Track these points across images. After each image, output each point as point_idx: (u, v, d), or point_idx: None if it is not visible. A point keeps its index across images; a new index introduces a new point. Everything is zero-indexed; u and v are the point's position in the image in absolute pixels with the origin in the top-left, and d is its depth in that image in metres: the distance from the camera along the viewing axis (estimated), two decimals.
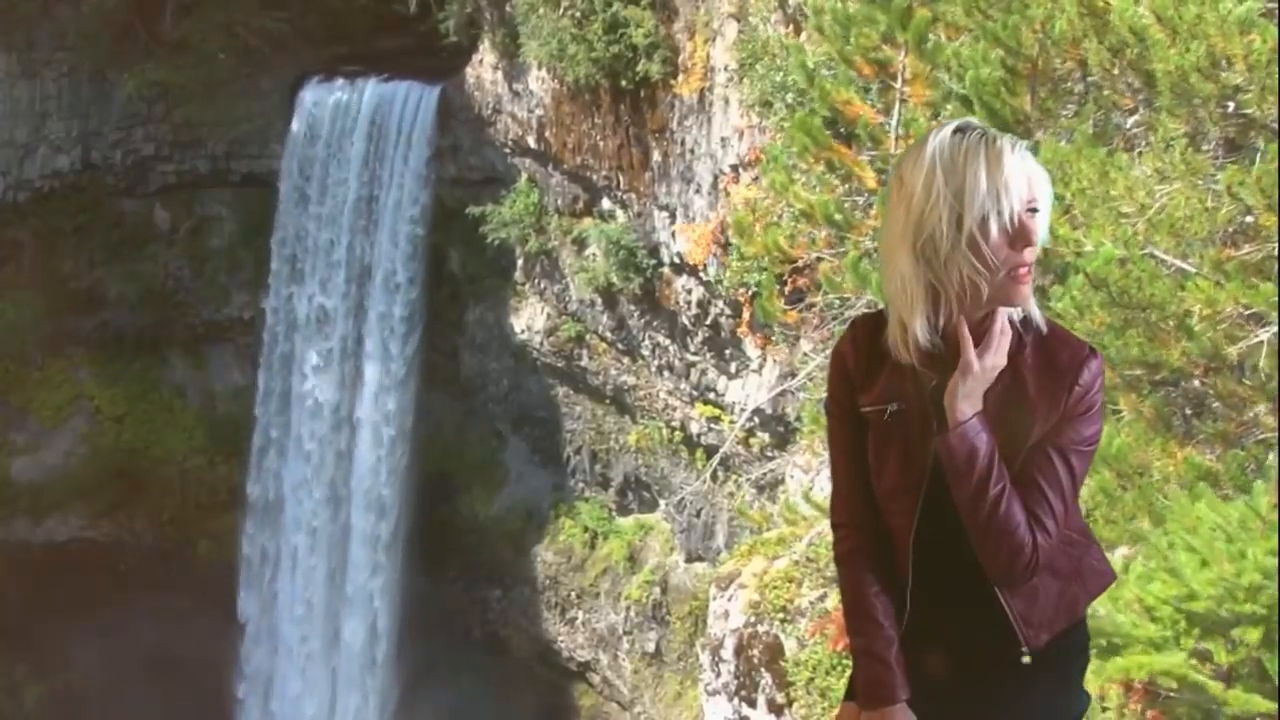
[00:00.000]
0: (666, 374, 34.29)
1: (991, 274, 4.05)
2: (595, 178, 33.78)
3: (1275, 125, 10.92)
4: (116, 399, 41.08)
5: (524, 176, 35.96)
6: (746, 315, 29.44)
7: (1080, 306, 11.28)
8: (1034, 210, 4.04)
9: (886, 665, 4.36)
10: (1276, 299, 10.99)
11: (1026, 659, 4.32)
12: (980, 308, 4.12)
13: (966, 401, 4.11)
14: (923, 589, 4.37)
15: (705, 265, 30.79)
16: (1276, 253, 11.42)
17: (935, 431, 4.19)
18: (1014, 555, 4.14)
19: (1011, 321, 4.17)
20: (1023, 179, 4.02)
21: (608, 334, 35.48)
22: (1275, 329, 11.41)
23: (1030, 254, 4.05)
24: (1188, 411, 12.35)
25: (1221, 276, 11.34)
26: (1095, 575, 4.50)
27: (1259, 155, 11.03)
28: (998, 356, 4.12)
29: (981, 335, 4.14)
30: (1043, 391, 4.19)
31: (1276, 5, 11.99)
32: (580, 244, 34.64)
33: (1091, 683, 9.55)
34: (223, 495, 40.87)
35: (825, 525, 16.11)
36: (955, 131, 4.09)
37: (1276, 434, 11.98)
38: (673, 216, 31.69)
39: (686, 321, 32.65)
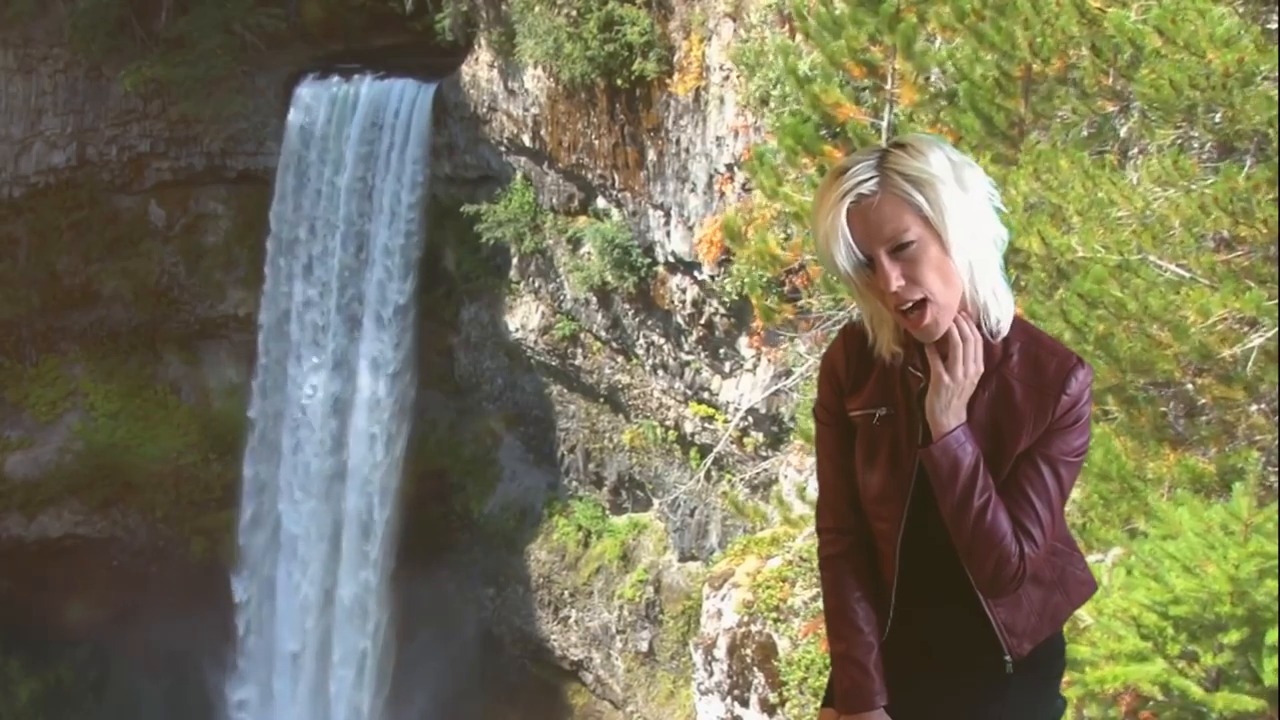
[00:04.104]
0: (661, 373, 34.32)
1: (883, 308, 4.11)
2: (590, 176, 33.81)
3: (1257, 135, 10.96)
4: (111, 395, 41.06)
5: (519, 175, 35.98)
6: (758, 313, 29.46)
7: (1071, 315, 11.31)
8: (905, 245, 3.99)
9: (865, 671, 4.38)
10: (1267, 304, 11.03)
11: (1010, 668, 4.35)
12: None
13: (947, 413, 4.13)
14: (907, 594, 4.39)
15: (701, 264, 30.84)
16: (1273, 255, 11.45)
17: (922, 438, 4.21)
18: (1000, 565, 4.16)
19: (980, 327, 4.14)
20: (842, 232, 4.01)
21: (602, 333, 35.51)
22: (1270, 333, 11.45)
23: (910, 292, 4.01)
24: (1176, 415, 12.39)
25: (1215, 281, 11.38)
26: (1078, 585, 4.51)
27: (1240, 166, 11.08)
28: (969, 365, 4.10)
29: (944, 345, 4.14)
30: (1030, 401, 4.18)
31: (1278, 15, 12.04)
32: (575, 243, 34.67)
33: (1071, 694, 9.61)
34: (217, 492, 40.86)
35: None
36: (843, 169, 4.08)
37: (1271, 435, 12.02)
38: (668, 216, 31.73)
39: (681, 321, 32.68)
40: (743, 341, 31.15)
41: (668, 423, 34.72)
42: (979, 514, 4.12)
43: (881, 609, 4.42)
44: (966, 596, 4.28)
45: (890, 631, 4.42)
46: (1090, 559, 11.36)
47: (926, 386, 4.18)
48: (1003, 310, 4.14)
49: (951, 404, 4.12)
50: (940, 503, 4.17)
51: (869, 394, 4.35)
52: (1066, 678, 9.24)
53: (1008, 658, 4.34)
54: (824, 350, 4.65)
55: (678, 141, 30.72)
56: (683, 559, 34.74)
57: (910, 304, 4.02)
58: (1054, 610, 4.42)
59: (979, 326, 4.13)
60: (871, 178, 4.03)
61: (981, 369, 4.13)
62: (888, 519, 4.35)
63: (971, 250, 4.05)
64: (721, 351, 32.21)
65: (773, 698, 16.88)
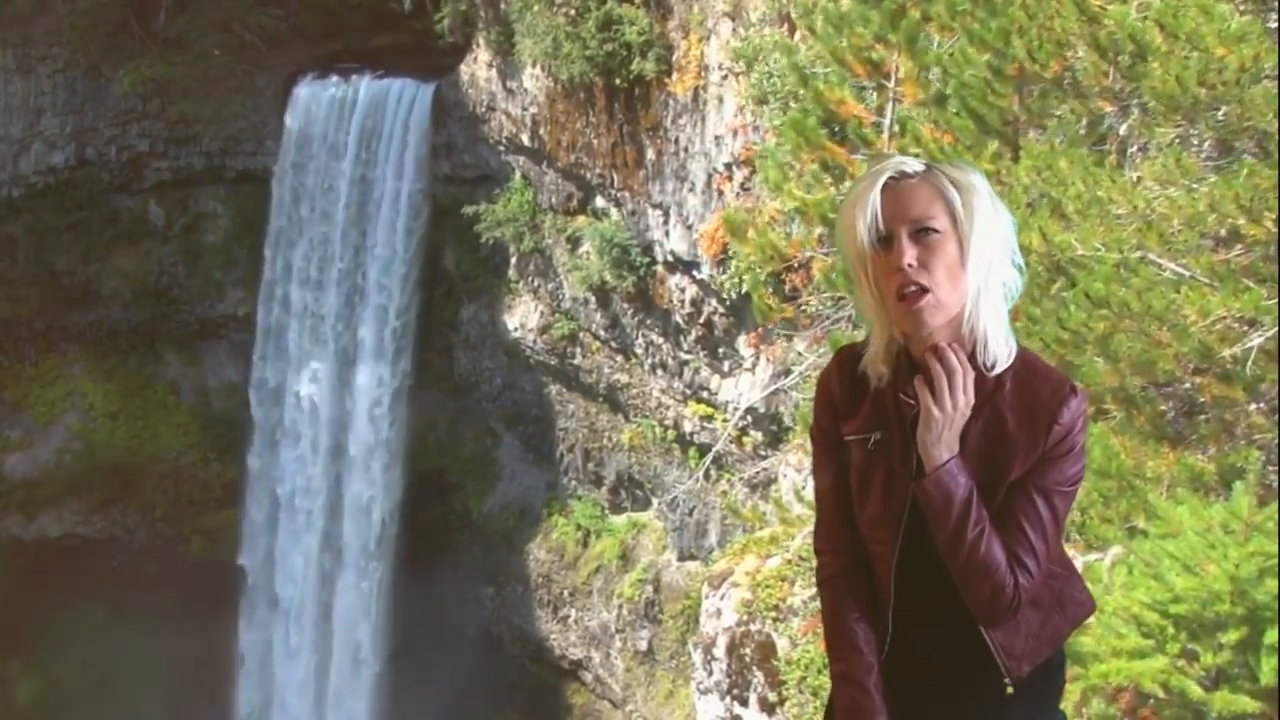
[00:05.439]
0: (660, 372, 34.31)
1: (880, 299, 4.13)
2: (589, 176, 33.80)
3: (1258, 133, 10.96)
4: (110, 395, 41.08)
5: (518, 174, 35.99)
6: (756, 312, 29.38)
7: (1068, 319, 11.31)
8: (928, 230, 4.06)
9: (865, 691, 4.38)
10: (1266, 303, 11.02)
11: (1009, 690, 4.36)
12: (909, 337, 4.17)
13: (939, 446, 4.13)
14: (904, 616, 4.40)
15: (700, 263, 30.84)
16: (1273, 254, 11.44)
17: (915, 468, 4.21)
18: (995, 595, 4.18)
19: (975, 359, 4.16)
20: (873, 201, 4.08)
21: (601, 332, 35.51)
22: (1270, 332, 11.44)
23: (918, 275, 4.05)
24: (1176, 414, 12.39)
25: (1214, 280, 11.38)
26: (1076, 606, 4.52)
27: (1243, 167, 11.07)
28: (958, 397, 4.10)
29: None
30: (1022, 429, 4.19)
31: (1277, 15, 12.03)
32: (574, 242, 34.67)
33: (1073, 690, 9.60)
34: (216, 492, 40.88)
35: None
36: (889, 157, 4.21)
37: (1271, 435, 12.02)
38: (666, 215, 31.72)
39: (680, 320, 32.67)
40: (741, 340, 31.14)
41: (667, 422, 34.73)
42: (973, 545, 4.14)
43: (880, 629, 4.43)
44: (964, 618, 4.29)
45: (889, 652, 4.42)
46: (1089, 557, 11.37)
47: (918, 411, 4.18)
48: (999, 349, 4.17)
49: (943, 436, 4.13)
50: (935, 534, 4.19)
51: (863, 418, 4.36)
52: (1070, 673, 9.25)
53: (1007, 680, 4.35)
54: (822, 364, 4.66)
55: (676, 141, 30.72)
56: (682, 558, 34.75)
57: (914, 288, 4.05)
58: (1052, 631, 4.44)
59: (972, 358, 4.15)
60: (916, 166, 4.13)
61: (972, 400, 4.14)
62: (883, 542, 4.37)
63: (985, 276, 4.11)
64: (720, 351, 32.21)
65: (772, 697, 16.87)
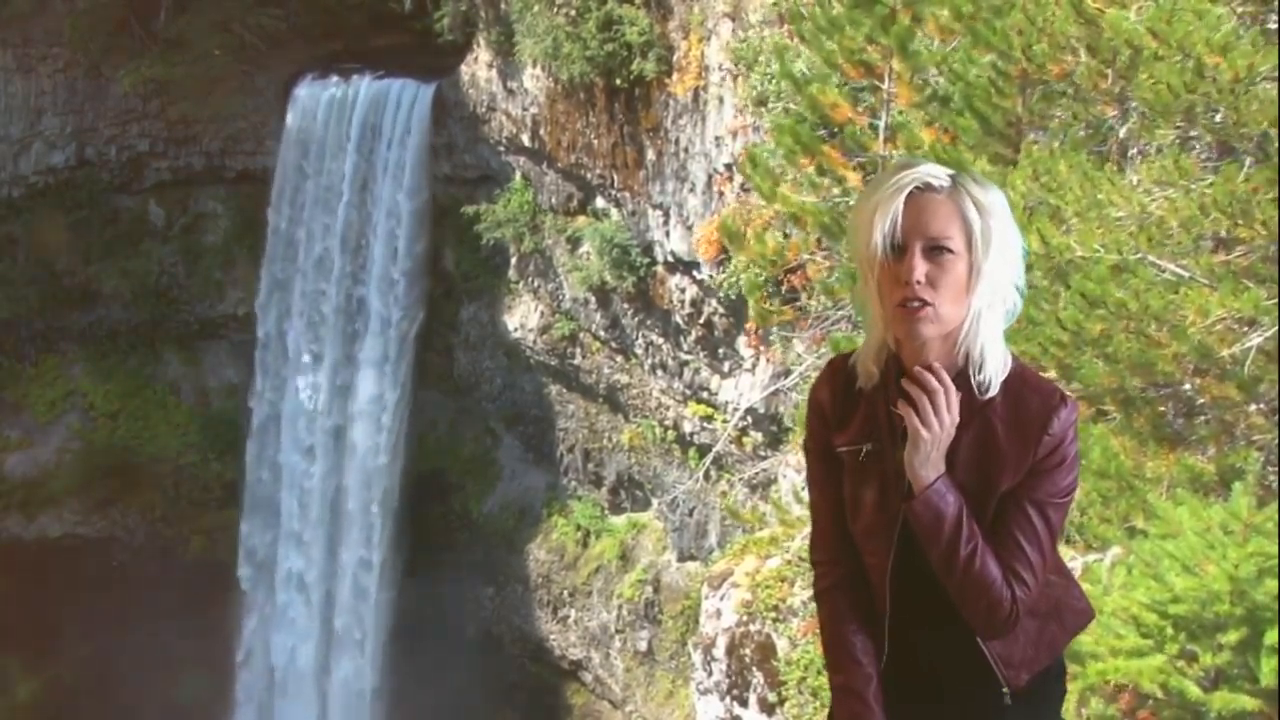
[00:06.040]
0: (660, 373, 34.31)
1: (881, 306, 4.12)
2: (589, 176, 33.81)
3: (1257, 135, 10.97)
4: (110, 395, 41.08)
5: (518, 175, 35.99)
6: (754, 315, 29.42)
7: (1066, 319, 11.32)
8: (942, 249, 4.05)
9: (865, 703, 4.38)
10: (1265, 303, 11.04)
11: (1008, 699, 4.36)
12: (903, 345, 4.17)
13: (926, 466, 4.12)
14: (901, 626, 4.40)
15: (700, 263, 30.84)
16: (1273, 255, 11.45)
17: (906, 487, 4.20)
18: (992, 610, 4.18)
19: (968, 377, 4.16)
20: (898, 209, 4.07)
21: (601, 332, 35.51)
22: (1269, 333, 11.45)
23: (924, 291, 4.04)
24: (1176, 415, 12.40)
25: (1213, 280, 11.40)
26: (1074, 613, 4.53)
27: (1240, 166, 11.08)
28: (943, 416, 4.09)
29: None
30: (1012, 441, 4.19)
31: (1277, 16, 12.04)
32: (574, 242, 34.67)
33: (1072, 690, 9.61)
34: (216, 492, 40.88)
35: None
36: (914, 164, 4.16)
37: (1270, 435, 12.04)
38: (666, 215, 31.73)
39: (680, 320, 32.67)
40: (741, 341, 31.14)
41: (666, 422, 34.72)
42: (966, 562, 4.14)
43: (878, 639, 4.43)
44: (961, 627, 4.29)
45: (887, 662, 4.43)
46: (1089, 558, 11.38)
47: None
48: (995, 368, 4.17)
49: (930, 456, 4.12)
50: (927, 553, 4.19)
51: (855, 430, 4.36)
52: (1069, 673, 9.27)
53: (1005, 689, 4.35)
54: (822, 365, 4.61)
55: (677, 141, 30.72)
56: (682, 559, 34.74)
57: (917, 303, 4.05)
58: (1050, 640, 4.44)
59: (964, 375, 4.16)
60: (944, 179, 4.11)
61: (957, 419, 4.13)
62: (877, 553, 4.37)
63: (989, 299, 4.12)
64: (720, 351, 32.21)
65: (772, 697, 16.88)
